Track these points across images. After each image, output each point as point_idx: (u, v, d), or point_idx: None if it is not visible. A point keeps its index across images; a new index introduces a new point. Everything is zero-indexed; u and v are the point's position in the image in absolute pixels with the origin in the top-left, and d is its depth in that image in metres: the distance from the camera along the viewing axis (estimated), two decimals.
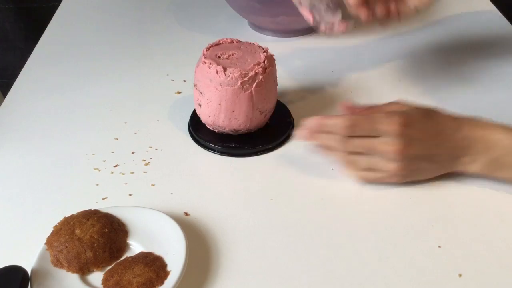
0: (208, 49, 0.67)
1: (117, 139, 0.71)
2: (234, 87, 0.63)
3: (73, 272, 0.52)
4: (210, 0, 1.05)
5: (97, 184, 0.64)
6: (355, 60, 0.87)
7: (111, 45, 0.93)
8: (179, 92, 0.79)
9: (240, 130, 0.67)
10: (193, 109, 0.73)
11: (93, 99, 0.79)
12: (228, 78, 0.63)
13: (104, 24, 1.00)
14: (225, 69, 0.63)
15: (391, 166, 0.58)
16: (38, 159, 0.68)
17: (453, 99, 0.75)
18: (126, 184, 0.64)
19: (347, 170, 0.61)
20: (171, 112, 0.75)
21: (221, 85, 0.63)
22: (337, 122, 0.58)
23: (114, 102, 0.78)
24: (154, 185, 0.64)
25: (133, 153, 0.68)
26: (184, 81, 0.82)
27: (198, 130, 0.70)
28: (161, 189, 0.63)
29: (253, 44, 0.68)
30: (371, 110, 0.61)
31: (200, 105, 0.67)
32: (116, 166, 0.66)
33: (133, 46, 0.93)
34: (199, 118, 0.69)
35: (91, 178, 0.65)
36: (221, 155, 0.68)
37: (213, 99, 0.65)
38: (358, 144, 0.58)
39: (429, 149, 0.58)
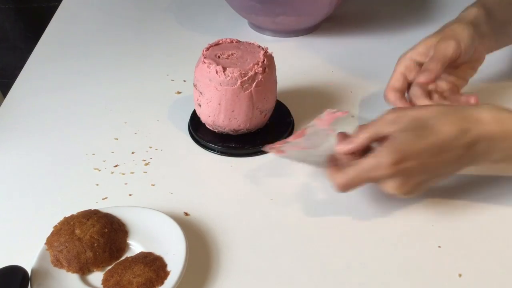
0: (207, 49, 0.67)
1: (117, 139, 0.71)
2: (233, 87, 0.63)
3: (73, 272, 0.52)
4: (210, 0, 1.05)
5: (97, 184, 0.64)
6: (355, 60, 0.87)
7: (111, 45, 0.93)
8: (179, 92, 0.79)
9: (240, 130, 0.67)
10: (193, 109, 0.73)
11: (93, 99, 0.79)
12: (228, 78, 0.63)
13: (104, 24, 1.00)
14: (224, 69, 0.63)
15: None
16: (38, 159, 0.68)
17: None
18: (126, 184, 0.64)
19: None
20: (171, 112, 0.75)
21: (220, 85, 0.63)
22: (333, 185, 0.54)
23: (114, 102, 0.78)
24: (154, 185, 0.64)
25: (133, 153, 0.68)
26: (184, 81, 0.82)
27: (198, 130, 0.70)
28: (161, 189, 0.63)
29: (253, 43, 0.68)
30: (361, 137, 0.55)
31: (200, 105, 0.67)
32: (116, 166, 0.66)
33: (133, 46, 0.93)
34: (199, 118, 0.69)
35: (91, 178, 0.65)
36: (221, 155, 0.68)
37: (212, 99, 0.65)
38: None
39: (434, 171, 0.53)
